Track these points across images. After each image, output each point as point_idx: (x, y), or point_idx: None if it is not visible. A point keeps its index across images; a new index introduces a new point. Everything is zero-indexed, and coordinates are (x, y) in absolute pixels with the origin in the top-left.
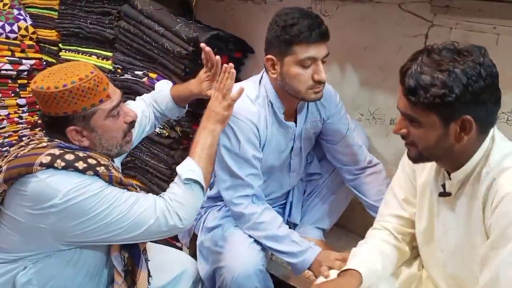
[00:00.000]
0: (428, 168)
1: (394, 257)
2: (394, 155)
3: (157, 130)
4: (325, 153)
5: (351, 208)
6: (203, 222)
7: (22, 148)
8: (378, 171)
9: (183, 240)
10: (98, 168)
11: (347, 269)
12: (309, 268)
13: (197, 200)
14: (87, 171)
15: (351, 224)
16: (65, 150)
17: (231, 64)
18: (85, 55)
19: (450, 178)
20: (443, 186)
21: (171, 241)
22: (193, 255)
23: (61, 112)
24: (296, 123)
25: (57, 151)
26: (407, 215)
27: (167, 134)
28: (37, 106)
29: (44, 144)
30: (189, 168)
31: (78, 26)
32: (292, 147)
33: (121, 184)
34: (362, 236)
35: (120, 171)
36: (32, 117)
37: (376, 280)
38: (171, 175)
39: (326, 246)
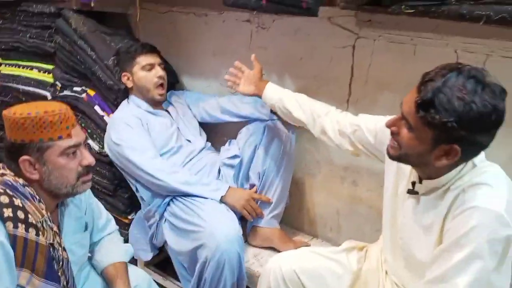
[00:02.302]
0: None
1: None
2: (332, 155)
3: (97, 148)
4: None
5: (298, 207)
6: (164, 222)
7: None
8: None
9: (145, 258)
10: (18, 224)
11: None
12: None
13: None
14: (7, 222)
15: (298, 221)
16: (6, 190)
17: None
18: (26, 69)
19: (421, 183)
20: (413, 184)
21: None
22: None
23: (20, 139)
24: (168, 111)
25: None
26: (372, 140)
27: (106, 153)
28: None
29: None
30: None
31: (17, 40)
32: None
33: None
34: (309, 233)
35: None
36: None
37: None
38: (115, 190)
39: (282, 234)
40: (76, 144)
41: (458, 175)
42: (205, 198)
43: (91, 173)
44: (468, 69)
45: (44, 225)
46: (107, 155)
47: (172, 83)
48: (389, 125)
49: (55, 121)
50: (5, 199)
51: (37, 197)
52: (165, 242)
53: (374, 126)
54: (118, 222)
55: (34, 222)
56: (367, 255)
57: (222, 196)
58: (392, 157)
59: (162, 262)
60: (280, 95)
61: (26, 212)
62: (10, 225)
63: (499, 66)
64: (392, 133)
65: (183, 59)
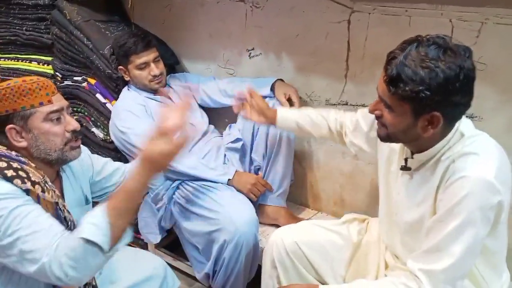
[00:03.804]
0: None
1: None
2: None
3: (101, 136)
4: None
5: (301, 183)
6: (174, 205)
7: None
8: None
9: (155, 240)
10: (25, 181)
11: None
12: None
13: (94, 260)
14: (15, 180)
15: (302, 197)
16: (1, 158)
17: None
18: (25, 62)
19: (412, 157)
20: (406, 160)
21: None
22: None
23: (4, 111)
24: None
25: None
26: (361, 142)
27: (110, 139)
28: None
29: None
30: (94, 226)
31: (14, 34)
32: None
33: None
34: (313, 208)
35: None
36: None
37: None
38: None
39: (288, 213)
40: (58, 109)
41: (447, 145)
42: (213, 182)
43: (80, 140)
44: (427, 38)
45: (47, 185)
46: (112, 142)
47: (172, 65)
48: (371, 111)
49: (34, 88)
50: (3, 164)
51: (32, 164)
52: (174, 224)
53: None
54: None
55: (37, 180)
56: (368, 227)
57: (229, 180)
58: (382, 139)
59: (170, 244)
60: (295, 119)
61: (26, 172)
62: (18, 181)
63: (494, 33)
64: (376, 117)
65: (180, 42)
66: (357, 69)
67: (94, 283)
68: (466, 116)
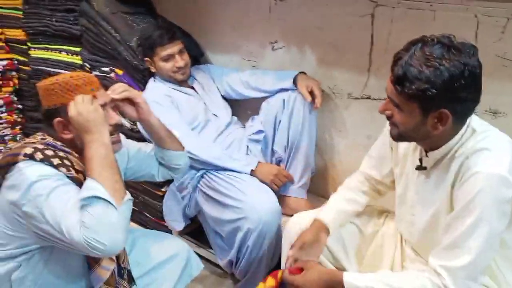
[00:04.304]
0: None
1: (363, 200)
2: (354, 124)
3: (128, 125)
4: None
5: (322, 176)
6: (198, 193)
7: (17, 143)
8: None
9: (179, 228)
10: (70, 169)
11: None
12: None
13: (107, 217)
14: (60, 167)
15: (323, 189)
16: (49, 146)
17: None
18: (55, 52)
19: (427, 156)
20: (420, 160)
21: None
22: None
23: (52, 104)
24: (193, 87)
25: (41, 146)
26: (378, 175)
27: (137, 129)
28: (15, 105)
29: (35, 140)
30: (87, 187)
31: (44, 25)
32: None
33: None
34: None
35: None
36: (11, 116)
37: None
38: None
39: (308, 205)
40: (101, 104)
41: (460, 141)
42: (237, 172)
43: (119, 133)
44: (431, 38)
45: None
46: (138, 131)
47: (196, 57)
48: (381, 111)
49: (80, 84)
50: (49, 152)
51: (76, 154)
52: (199, 212)
53: (375, 160)
54: (152, 194)
55: (80, 169)
56: (386, 220)
57: (252, 170)
58: (395, 138)
59: (193, 231)
60: (339, 224)
61: (70, 161)
62: (63, 169)
63: None
64: (387, 117)
65: (204, 34)
66: (380, 63)
67: (129, 268)
68: (491, 113)
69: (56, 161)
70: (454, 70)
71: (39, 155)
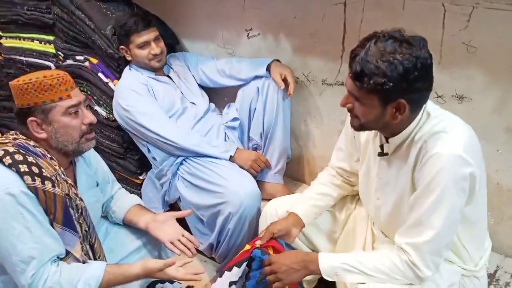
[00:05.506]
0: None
1: (335, 193)
2: (328, 110)
3: (104, 114)
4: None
5: (297, 161)
6: (178, 180)
7: None
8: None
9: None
10: (35, 178)
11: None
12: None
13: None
14: (25, 176)
15: (298, 174)
16: (20, 148)
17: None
18: (27, 41)
19: (387, 142)
20: (381, 147)
21: None
22: None
23: (26, 103)
24: (170, 76)
25: (11, 149)
26: (347, 166)
27: (113, 118)
28: None
29: (7, 141)
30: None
31: (16, 13)
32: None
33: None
34: (309, 184)
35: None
36: None
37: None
38: (125, 152)
39: (284, 189)
40: (76, 103)
41: (417, 125)
42: (216, 158)
43: (94, 132)
44: (383, 34)
45: (58, 178)
46: (114, 120)
47: (171, 45)
48: (342, 104)
49: (54, 84)
50: (19, 157)
51: (48, 155)
52: (178, 198)
53: (343, 152)
54: (130, 183)
55: (48, 175)
56: (358, 204)
57: (231, 156)
58: (356, 129)
59: None
60: (313, 216)
61: (39, 167)
62: (28, 178)
63: (484, 17)
64: (348, 110)
65: (179, 22)
66: None
67: (104, 254)
68: (457, 98)
69: (23, 168)
70: (407, 64)
71: (8, 160)
